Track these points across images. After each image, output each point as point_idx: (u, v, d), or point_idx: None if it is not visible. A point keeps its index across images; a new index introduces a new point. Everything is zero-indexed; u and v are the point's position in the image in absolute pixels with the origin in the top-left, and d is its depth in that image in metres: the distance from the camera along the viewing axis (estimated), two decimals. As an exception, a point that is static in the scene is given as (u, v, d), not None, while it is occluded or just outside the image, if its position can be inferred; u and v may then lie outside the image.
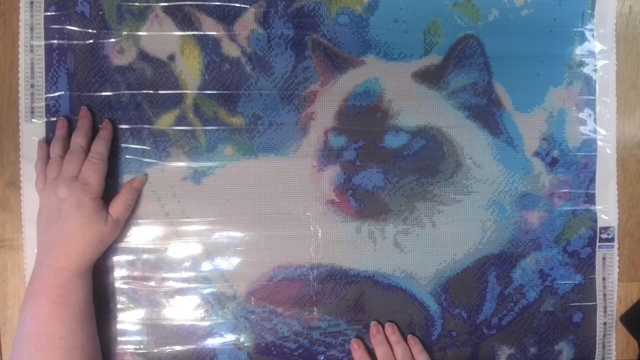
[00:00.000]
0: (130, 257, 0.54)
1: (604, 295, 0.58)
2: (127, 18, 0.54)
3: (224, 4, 0.54)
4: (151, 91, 0.54)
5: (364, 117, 0.56)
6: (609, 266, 0.58)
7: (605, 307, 0.58)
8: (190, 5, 0.54)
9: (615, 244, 0.58)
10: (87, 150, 0.51)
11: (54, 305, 0.46)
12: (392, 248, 0.56)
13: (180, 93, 0.54)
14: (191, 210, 0.55)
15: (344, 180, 0.55)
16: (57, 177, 0.49)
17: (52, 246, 0.48)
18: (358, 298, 0.56)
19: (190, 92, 0.55)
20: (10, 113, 0.54)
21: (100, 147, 0.51)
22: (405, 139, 0.56)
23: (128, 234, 0.54)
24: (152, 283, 0.55)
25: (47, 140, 0.54)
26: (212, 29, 0.54)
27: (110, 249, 0.53)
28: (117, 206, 0.51)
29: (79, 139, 0.51)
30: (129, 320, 0.55)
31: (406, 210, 0.56)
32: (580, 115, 0.57)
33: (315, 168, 0.55)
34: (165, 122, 0.55)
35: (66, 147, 0.51)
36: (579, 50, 0.57)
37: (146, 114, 0.54)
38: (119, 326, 0.54)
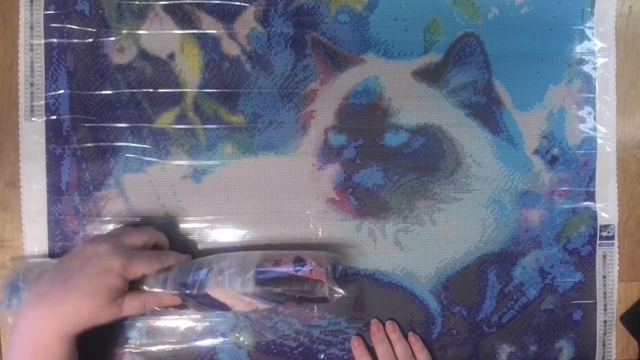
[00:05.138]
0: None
1: (604, 293, 0.58)
2: (127, 16, 0.54)
3: (223, 2, 0.54)
4: (151, 90, 0.54)
5: (364, 116, 0.56)
6: (609, 264, 0.58)
7: (605, 305, 0.58)
8: (190, 3, 0.54)
9: (616, 242, 0.58)
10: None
11: None
12: (392, 246, 0.56)
13: (180, 92, 0.54)
14: (191, 208, 0.55)
15: (344, 179, 0.55)
16: (115, 236, 0.46)
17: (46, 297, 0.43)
18: (358, 296, 0.56)
19: (190, 90, 0.55)
20: (10, 112, 0.54)
21: (171, 259, 0.48)
22: (405, 137, 0.56)
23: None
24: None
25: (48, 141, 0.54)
26: (211, 28, 0.55)
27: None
28: (134, 303, 0.46)
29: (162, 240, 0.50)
30: (128, 319, 0.54)
31: (406, 208, 0.56)
32: (580, 113, 0.57)
33: (316, 166, 0.55)
34: (165, 120, 0.55)
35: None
36: (578, 48, 0.57)
37: (146, 112, 0.54)
38: (118, 325, 0.54)
